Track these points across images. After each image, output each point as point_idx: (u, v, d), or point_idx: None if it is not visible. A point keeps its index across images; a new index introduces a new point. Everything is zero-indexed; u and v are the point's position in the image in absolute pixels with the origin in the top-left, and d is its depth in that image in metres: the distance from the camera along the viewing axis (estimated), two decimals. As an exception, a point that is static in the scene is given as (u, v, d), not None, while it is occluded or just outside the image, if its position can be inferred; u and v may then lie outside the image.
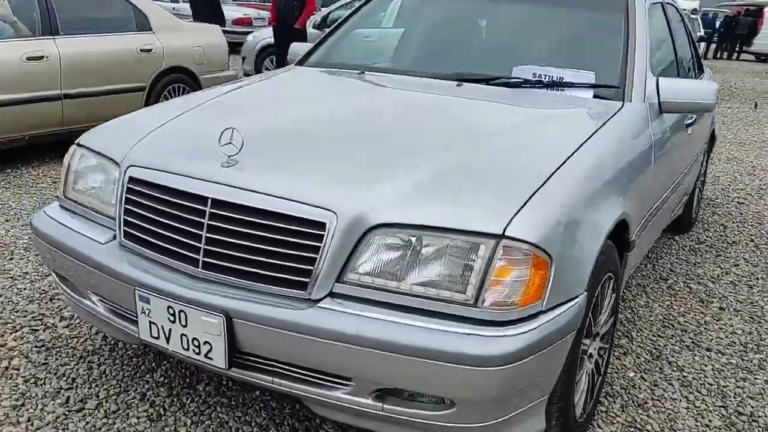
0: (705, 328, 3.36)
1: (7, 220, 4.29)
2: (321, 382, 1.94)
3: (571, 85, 2.86)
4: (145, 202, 2.14)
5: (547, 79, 2.88)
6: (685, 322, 3.41)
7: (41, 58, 5.36)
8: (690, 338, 3.24)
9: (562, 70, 2.89)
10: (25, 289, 3.34)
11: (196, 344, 1.98)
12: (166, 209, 2.08)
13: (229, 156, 2.05)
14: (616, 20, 3.11)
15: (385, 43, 3.87)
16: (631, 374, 2.88)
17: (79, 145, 2.49)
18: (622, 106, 2.74)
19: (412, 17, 3.78)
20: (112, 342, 2.87)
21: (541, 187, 1.98)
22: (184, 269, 2.05)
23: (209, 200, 2.00)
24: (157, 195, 2.11)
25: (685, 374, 2.92)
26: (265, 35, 10.65)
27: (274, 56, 10.04)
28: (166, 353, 2.17)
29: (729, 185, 6.25)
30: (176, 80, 6.58)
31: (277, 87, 3.04)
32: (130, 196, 2.18)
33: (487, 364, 1.73)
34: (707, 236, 4.78)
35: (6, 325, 2.98)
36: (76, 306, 2.47)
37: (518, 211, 1.86)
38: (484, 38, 3.36)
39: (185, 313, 1.97)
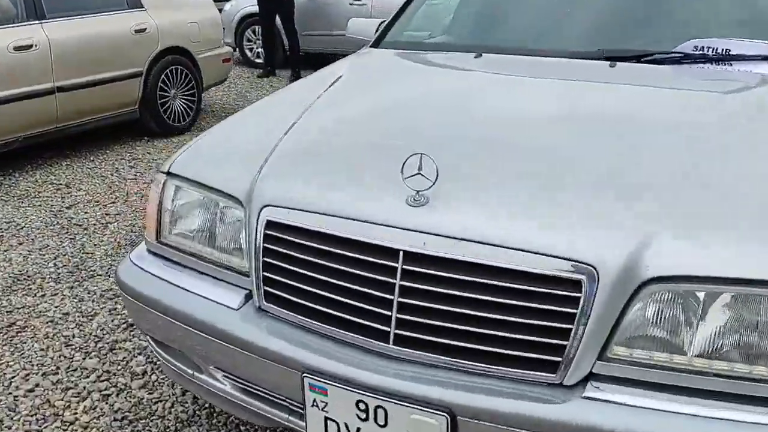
0: None
1: (20, 243, 3.67)
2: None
3: (742, 58, 2.36)
4: (296, 254, 1.60)
5: (712, 53, 2.39)
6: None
7: (29, 47, 4.65)
8: None
9: (728, 40, 2.39)
10: (73, 336, 2.77)
11: (401, 449, 1.48)
12: (331, 265, 1.55)
13: (418, 191, 1.52)
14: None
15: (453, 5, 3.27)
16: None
17: (170, 174, 1.92)
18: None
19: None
20: (208, 405, 2.35)
21: None
22: (368, 345, 1.53)
23: (400, 253, 1.47)
24: (314, 245, 1.58)
25: None
26: (244, 3, 9.86)
27: (258, 27, 9.30)
28: None
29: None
30: (174, 62, 5.90)
31: (394, 82, 2.43)
32: (271, 247, 1.63)
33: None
34: None
35: (68, 391, 2.42)
36: (188, 381, 1.94)
37: None
38: None
39: (385, 410, 1.46)
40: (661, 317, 1.38)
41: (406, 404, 1.43)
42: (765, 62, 2.35)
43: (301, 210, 1.61)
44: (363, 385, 1.47)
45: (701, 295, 1.36)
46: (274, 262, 1.63)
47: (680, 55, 2.38)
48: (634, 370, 1.39)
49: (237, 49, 9.66)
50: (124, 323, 2.85)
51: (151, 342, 1.98)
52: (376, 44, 2.94)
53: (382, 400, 1.45)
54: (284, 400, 1.69)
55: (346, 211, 1.56)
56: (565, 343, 1.38)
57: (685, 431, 1.31)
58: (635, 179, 1.58)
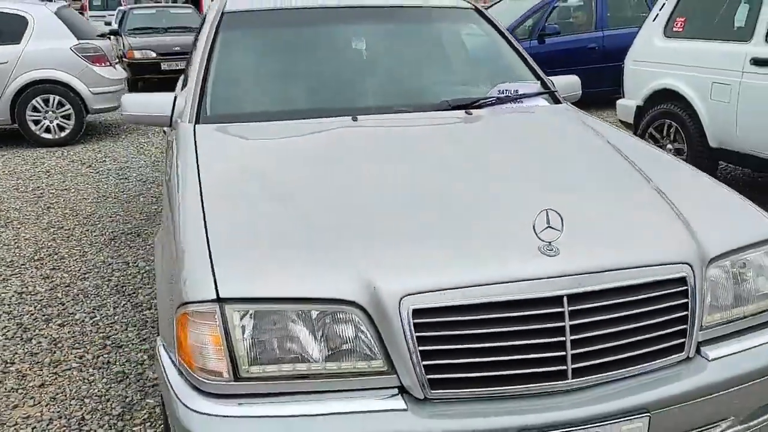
0: None
1: None
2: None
3: (525, 96, 3.05)
4: (454, 332, 1.64)
5: (510, 94, 3.02)
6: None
7: None
8: None
9: (514, 83, 3.06)
10: None
11: (618, 464, 1.69)
12: (498, 330, 1.65)
13: (551, 242, 1.73)
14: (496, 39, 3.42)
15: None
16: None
17: (223, 300, 1.66)
18: (561, 106, 3.09)
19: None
20: None
21: None
22: (547, 389, 1.68)
23: (564, 298, 1.68)
24: (473, 318, 1.65)
25: None
26: None
27: None
28: None
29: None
30: None
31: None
32: (425, 334, 1.63)
33: None
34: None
35: None
36: None
37: None
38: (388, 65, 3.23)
39: (598, 432, 1.66)
40: (729, 285, 1.90)
41: (613, 421, 1.66)
42: (539, 97, 3.10)
43: (445, 290, 1.65)
44: (578, 420, 1.64)
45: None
46: (432, 347, 1.64)
47: (494, 98, 2.96)
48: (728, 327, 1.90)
49: None
50: None
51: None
52: (197, 120, 2.76)
53: (598, 425, 1.65)
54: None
55: (492, 278, 1.68)
56: (685, 326, 1.80)
57: None
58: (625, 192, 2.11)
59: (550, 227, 1.74)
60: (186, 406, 1.65)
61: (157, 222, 5.13)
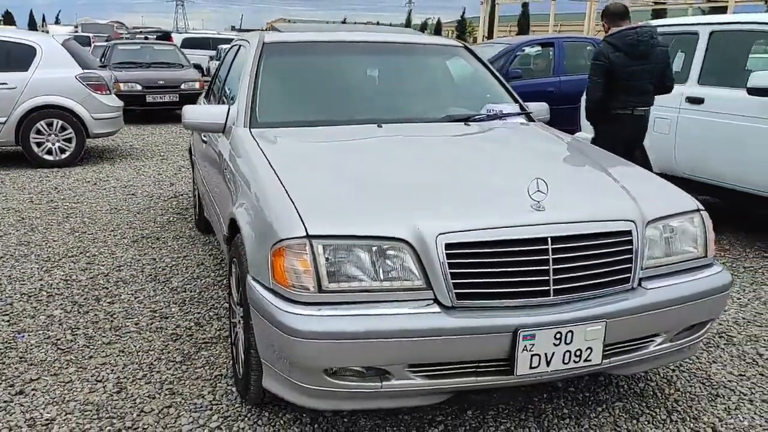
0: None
1: None
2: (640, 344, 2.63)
3: (509, 115, 3.86)
4: (475, 260, 2.37)
5: (497, 113, 3.82)
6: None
7: None
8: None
9: (500, 105, 3.87)
10: None
11: (578, 354, 2.41)
12: (504, 259, 2.38)
13: (539, 201, 2.48)
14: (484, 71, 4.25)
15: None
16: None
17: (313, 236, 2.36)
18: (534, 123, 3.91)
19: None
20: None
21: None
22: (536, 303, 2.41)
23: (548, 239, 2.42)
24: (488, 251, 2.38)
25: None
26: None
27: None
28: (529, 382, 2.48)
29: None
30: None
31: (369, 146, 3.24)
32: (454, 261, 2.35)
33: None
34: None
35: None
36: (368, 397, 2.39)
37: None
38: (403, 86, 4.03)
39: (572, 332, 2.38)
40: (666, 239, 2.68)
41: (583, 324, 2.39)
42: (520, 116, 3.91)
43: (468, 230, 2.38)
44: (557, 322, 2.36)
45: (668, 225, 2.71)
46: (460, 270, 2.36)
47: (485, 115, 3.76)
48: (662, 269, 2.66)
49: None
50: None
51: (325, 376, 2.34)
52: (251, 125, 3.49)
53: (571, 326, 2.38)
54: (475, 366, 2.39)
55: (500, 223, 2.42)
56: (630, 265, 2.55)
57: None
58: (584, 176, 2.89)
59: (539, 191, 2.49)
60: (285, 311, 2.33)
61: (171, 229, 5.75)
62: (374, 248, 2.38)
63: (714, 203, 5.77)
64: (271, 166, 2.87)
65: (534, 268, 2.41)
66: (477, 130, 3.61)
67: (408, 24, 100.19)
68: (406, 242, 2.37)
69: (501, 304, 2.39)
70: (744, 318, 4.03)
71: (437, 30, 78.40)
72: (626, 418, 2.89)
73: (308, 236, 2.36)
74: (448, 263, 2.35)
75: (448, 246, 2.36)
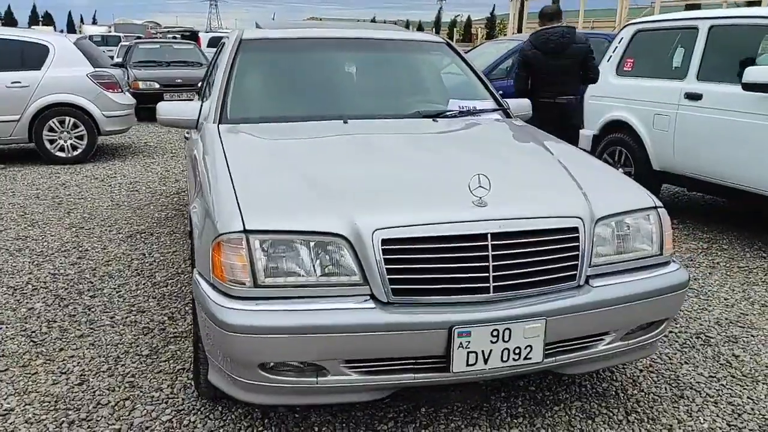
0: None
1: None
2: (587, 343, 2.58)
3: (483, 111, 3.82)
4: (411, 256, 2.35)
5: (469, 109, 3.78)
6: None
7: None
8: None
9: (474, 101, 3.83)
10: None
11: (517, 352, 2.38)
12: (442, 255, 2.36)
13: (480, 197, 2.45)
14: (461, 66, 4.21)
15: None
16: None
17: (250, 231, 2.36)
18: (510, 119, 3.86)
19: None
20: None
21: None
22: (474, 299, 2.38)
23: (488, 235, 2.39)
24: (425, 246, 2.35)
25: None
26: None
27: None
28: (467, 380, 2.44)
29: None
30: None
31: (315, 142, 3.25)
32: (390, 257, 2.33)
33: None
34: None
35: None
36: (305, 392, 2.39)
37: None
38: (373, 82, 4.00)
39: (510, 330, 2.35)
40: (612, 238, 2.62)
41: (521, 321, 2.36)
42: (495, 112, 3.86)
43: (403, 226, 2.36)
44: (494, 319, 2.33)
45: (621, 221, 2.66)
46: (395, 266, 2.34)
47: (455, 111, 3.73)
48: (609, 267, 2.61)
49: None
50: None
51: (260, 371, 2.35)
52: (220, 121, 3.50)
53: (508, 323, 2.34)
54: (412, 363, 2.38)
55: (437, 219, 2.39)
56: (576, 263, 2.51)
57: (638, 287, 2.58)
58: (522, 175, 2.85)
59: (481, 187, 2.46)
60: (220, 306, 2.34)
61: (167, 225, 5.82)
62: (312, 243, 2.38)
63: (713, 203, 5.65)
64: (227, 161, 2.88)
65: (473, 264, 2.38)
66: (443, 126, 3.58)
67: (437, 22, 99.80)
68: (344, 237, 2.36)
69: (437, 300, 2.36)
70: (727, 318, 3.94)
71: (467, 27, 77.83)
72: (582, 417, 2.84)
73: (245, 231, 2.37)
74: (385, 259, 2.33)
75: (385, 242, 2.34)
